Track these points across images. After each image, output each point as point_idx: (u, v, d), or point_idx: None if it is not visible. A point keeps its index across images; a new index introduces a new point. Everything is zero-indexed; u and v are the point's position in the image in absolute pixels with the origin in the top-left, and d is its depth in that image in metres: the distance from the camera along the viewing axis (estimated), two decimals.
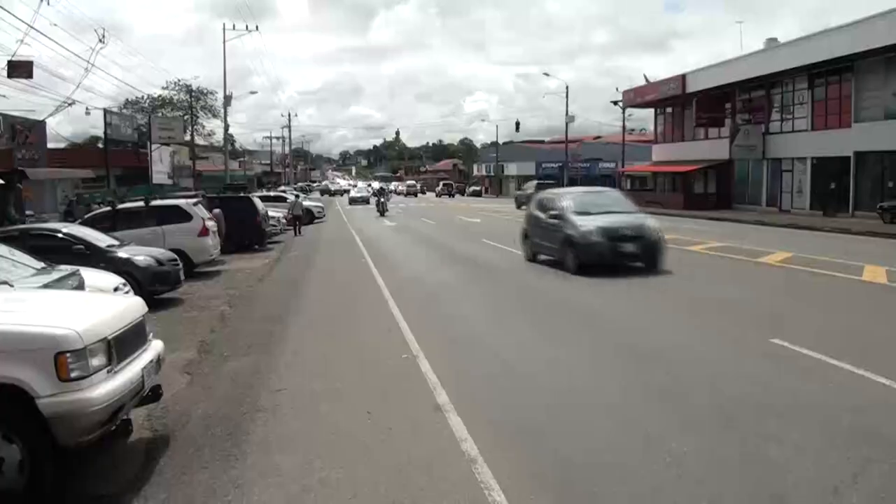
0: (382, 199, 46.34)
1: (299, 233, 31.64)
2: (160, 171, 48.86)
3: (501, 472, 5.16)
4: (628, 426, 6.06)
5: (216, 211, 20.43)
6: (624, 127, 62.81)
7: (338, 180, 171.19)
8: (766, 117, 42.28)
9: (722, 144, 44.24)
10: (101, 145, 53.02)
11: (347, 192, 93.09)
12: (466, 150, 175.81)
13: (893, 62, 32.41)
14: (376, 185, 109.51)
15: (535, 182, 63.04)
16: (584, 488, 4.90)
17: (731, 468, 5.15)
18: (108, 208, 18.53)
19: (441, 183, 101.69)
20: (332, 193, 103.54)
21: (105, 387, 4.94)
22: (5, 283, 7.77)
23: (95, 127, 63.43)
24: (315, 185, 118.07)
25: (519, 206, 56.32)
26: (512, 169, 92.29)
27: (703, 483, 4.90)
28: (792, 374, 7.54)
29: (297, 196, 39.75)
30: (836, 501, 4.63)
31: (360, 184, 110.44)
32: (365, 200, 66.98)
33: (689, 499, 4.69)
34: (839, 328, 9.80)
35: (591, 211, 16.30)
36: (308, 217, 37.03)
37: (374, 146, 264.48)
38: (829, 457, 5.29)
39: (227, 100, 56.42)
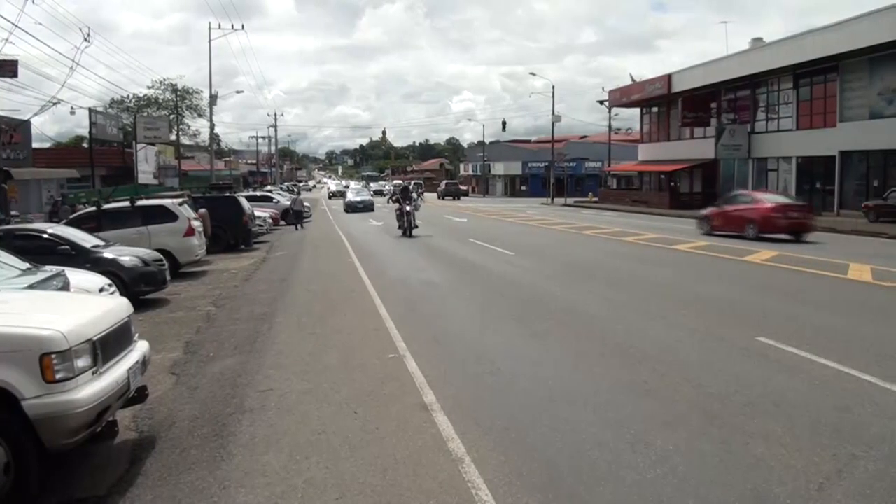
0: (409, 208, 27.13)
1: (301, 227, 34.58)
2: (145, 170, 48.72)
3: (488, 471, 5.17)
4: (614, 424, 6.07)
5: (202, 211, 20.34)
6: (610, 126, 63.04)
7: (325, 180, 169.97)
8: (752, 117, 42.51)
9: (707, 144, 44.41)
10: (86, 145, 52.75)
11: (342, 194, 74.96)
12: (453, 150, 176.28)
13: (878, 62, 32.66)
14: (371, 185, 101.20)
15: (445, 182, 77.94)
16: (571, 486, 4.92)
17: (716, 465, 5.18)
18: (94, 208, 18.44)
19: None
20: (335, 195, 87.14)
21: (90, 388, 4.92)
22: None
23: (80, 126, 63.25)
24: (302, 184, 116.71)
25: (440, 198, 69.95)
26: (499, 168, 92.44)
27: (689, 480, 4.93)
28: (777, 372, 7.58)
29: (298, 193, 46.11)
30: (821, 498, 4.66)
31: (354, 184, 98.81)
32: (366, 207, 49.73)
33: (676, 495, 4.71)
34: (825, 326, 9.87)
35: None
36: (299, 218, 37.47)
37: (361, 146, 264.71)
38: (814, 454, 5.33)
39: (213, 99, 56.32)
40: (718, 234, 25.48)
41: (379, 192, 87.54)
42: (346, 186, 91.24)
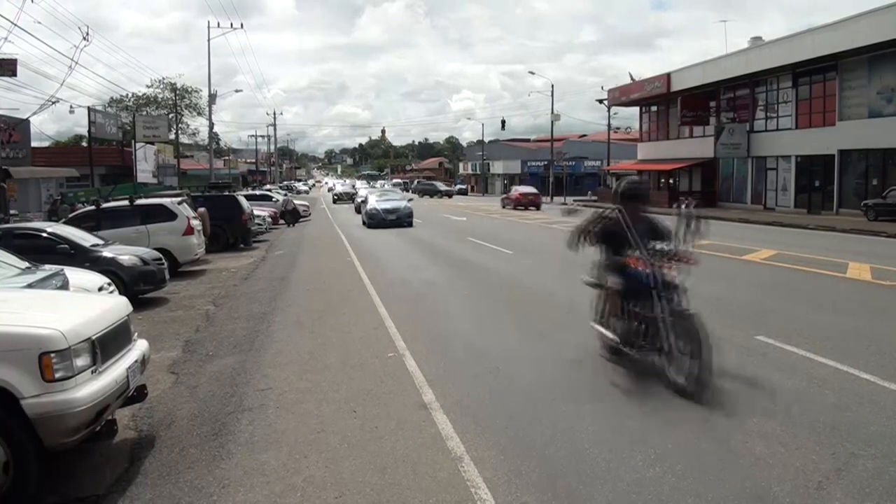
0: (674, 275, 7.93)
1: (293, 225, 36.21)
2: (145, 169, 48.70)
3: (487, 469, 5.17)
4: (613, 423, 6.08)
5: (201, 210, 20.34)
6: (609, 125, 63.01)
7: (324, 179, 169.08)
8: (751, 116, 42.51)
9: (707, 143, 44.45)
10: (85, 144, 52.77)
11: (351, 197, 60.56)
12: (452, 149, 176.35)
13: (877, 61, 32.67)
14: (417, 183, 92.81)
15: (417, 180, 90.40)
16: (570, 485, 4.92)
17: (714, 464, 5.18)
18: (93, 207, 18.43)
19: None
20: (340, 198, 67.28)
21: (90, 387, 4.92)
22: None
23: (80, 125, 63.29)
24: (300, 183, 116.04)
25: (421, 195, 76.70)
26: (498, 167, 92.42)
27: (687, 479, 4.93)
28: (776, 371, 7.58)
29: (297, 193, 50.09)
30: (820, 496, 4.66)
31: (361, 183, 77.34)
32: (401, 219, 31.28)
33: (674, 494, 4.71)
34: (824, 325, 9.86)
35: None
36: (294, 216, 37.69)
37: (360, 145, 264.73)
38: (812, 452, 5.33)
39: (212, 98, 56.37)
40: (507, 209, 48.52)
41: (400, 187, 67.27)
42: (354, 186, 73.33)
